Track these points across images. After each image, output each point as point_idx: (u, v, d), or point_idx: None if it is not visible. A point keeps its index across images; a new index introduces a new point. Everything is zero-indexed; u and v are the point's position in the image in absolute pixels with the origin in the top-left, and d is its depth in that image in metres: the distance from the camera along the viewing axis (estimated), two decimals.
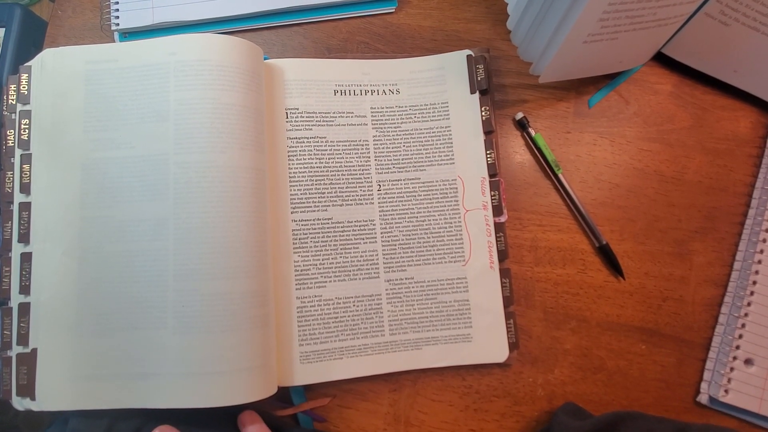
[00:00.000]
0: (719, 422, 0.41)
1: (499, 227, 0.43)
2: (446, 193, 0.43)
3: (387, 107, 0.44)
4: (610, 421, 0.37)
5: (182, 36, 0.39)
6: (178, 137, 0.37)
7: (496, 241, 0.42)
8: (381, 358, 0.40)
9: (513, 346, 0.41)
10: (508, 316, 0.41)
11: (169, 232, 0.36)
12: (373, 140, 0.43)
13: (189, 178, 0.37)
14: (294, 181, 0.42)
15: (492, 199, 0.43)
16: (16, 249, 0.38)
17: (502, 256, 0.42)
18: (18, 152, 0.39)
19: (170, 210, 0.37)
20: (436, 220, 0.43)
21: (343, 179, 0.42)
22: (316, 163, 0.42)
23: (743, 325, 0.41)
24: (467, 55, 0.45)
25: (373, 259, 0.42)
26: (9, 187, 0.39)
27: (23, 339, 0.37)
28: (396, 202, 0.43)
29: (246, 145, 0.38)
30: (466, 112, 0.44)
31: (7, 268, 0.38)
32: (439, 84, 0.45)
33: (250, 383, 0.36)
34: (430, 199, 0.43)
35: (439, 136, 0.44)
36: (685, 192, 0.45)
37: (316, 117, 0.43)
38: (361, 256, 0.42)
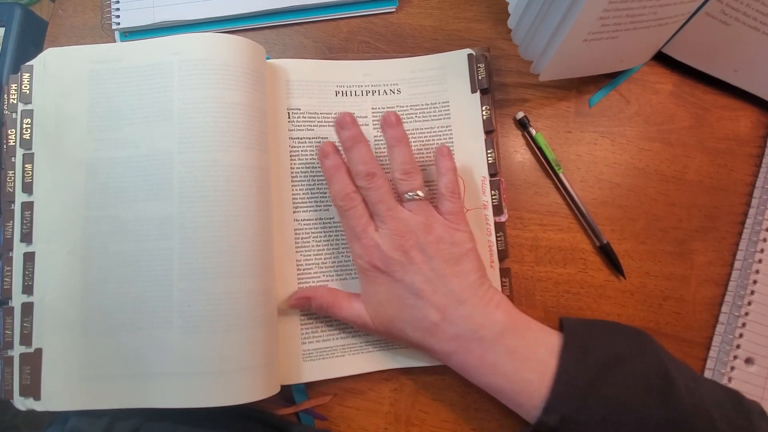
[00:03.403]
0: None
1: (499, 227, 0.43)
2: None
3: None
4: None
5: (186, 35, 0.39)
6: (183, 136, 0.37)
7: (496, 240, 0.42)
8: (382, 355, 0.41)
9: None
10: None
11: (174, 231, 0.36)
12: (374, 140, 0.43)
13: (194, 177, 0.37)
14: (296, 181, 0.42)
15: (492, 199, 0.43)
16: (19, 249, 0.38)
17: (502, 255, 0.42)
18: (20, 152, 0.39)
19: (175, 209, 0.36)
20: None
21: None
22: (317, 163, 0.42)
23: (744, 325, 0.41)
24: (468, 54, 0.45)
25: None
26: (10, 187, 0.39)
27: (26, 339, 0.36)
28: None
29: (250, 144, 0.38)
30: (467, 112, 0.44)
31: (8, 268, 0.38)
32: (439, 83, 0.45)
33: (254, 382, 0.36)
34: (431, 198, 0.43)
35: (440, 135, 0.44)
36: (685, 191, 0.45)
37: (318, 117, 0.43)
38: None
